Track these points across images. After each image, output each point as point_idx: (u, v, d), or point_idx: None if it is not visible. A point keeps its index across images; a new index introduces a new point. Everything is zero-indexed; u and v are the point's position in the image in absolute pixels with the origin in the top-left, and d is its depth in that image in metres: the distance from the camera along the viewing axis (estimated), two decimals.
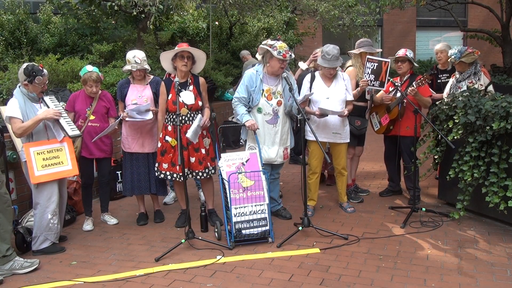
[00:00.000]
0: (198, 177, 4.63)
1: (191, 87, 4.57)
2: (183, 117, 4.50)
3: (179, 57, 4.45)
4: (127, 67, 4.75)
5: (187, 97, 4.51)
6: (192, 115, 4.55)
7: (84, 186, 4.98)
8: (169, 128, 4.56)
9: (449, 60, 5.25)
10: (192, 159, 4.55)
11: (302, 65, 5.82)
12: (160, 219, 5.02)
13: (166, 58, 4.53)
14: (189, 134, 4.32)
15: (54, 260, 4.13)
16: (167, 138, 4.54)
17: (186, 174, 4.53)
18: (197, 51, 4.55)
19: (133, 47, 4.96)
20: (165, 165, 4.56)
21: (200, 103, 4.59)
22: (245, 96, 4.62)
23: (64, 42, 8.85)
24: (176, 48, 4.49)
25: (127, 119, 4.66)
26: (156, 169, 4.65)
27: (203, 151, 4.59)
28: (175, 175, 4.55)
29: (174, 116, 4.51)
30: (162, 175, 4.62)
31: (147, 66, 4.80)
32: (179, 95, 4.41)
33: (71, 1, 8.86)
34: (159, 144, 4.61)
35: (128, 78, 4.91)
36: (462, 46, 5.08)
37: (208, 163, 4.63)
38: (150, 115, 4.68)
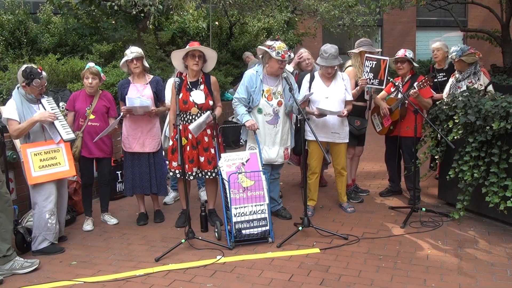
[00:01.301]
0: (207, 176, 4.65)
1: (202, 86, 4.58)
2: (193, 116, 4.51)
3: (190, 56, 4.47)
4: (123, 59, 4.76)
5: (198, 96, 4.53)
6: (202, 114, 4.56)
7: (84, 186, 4.98)
8: (180, 127, 4.57)
9: (449, 57, 5.25)
10: (202, 159, 4.57)
11: (288, 67, 5.76)
12: (160, 219, 5.02)
13: (177, 57, 4.55)
14: (192, 126, 4.35)
15: (54, 260, 4.13)
16: (177, 136, 4.54)
17: (195, 173, 4.57)
18: (209, 50, 4.58)
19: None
20: (174, 164, 4.59)
21: (211, 102, 4.59)
22: (245, 97, 4.63)
23: (64, 42, 8.84)
24: (187, 46, 4.50)
25: (127, 105, 4.62)
26: (167, 168, 4.69)
27: (212, 151, 4.60)
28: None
29: (184, 115, 4.54)
30: (171, 173, 4.64)
31: (141, 55, 4.80)
32: (186, 94, 4.42)
33: (71, 1, 8.85)
34: (171, 142, 4.65)
35: (128, 78, 4.91)
36: (465, 45, 5.07)
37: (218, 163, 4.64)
38: (149, 105, 4.67)
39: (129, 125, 4.82)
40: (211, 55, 4.60)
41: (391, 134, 5.29)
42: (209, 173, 4.63)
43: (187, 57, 4.50)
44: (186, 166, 4.53)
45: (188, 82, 4.58)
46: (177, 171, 4.59)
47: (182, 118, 4.55)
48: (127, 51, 4.77)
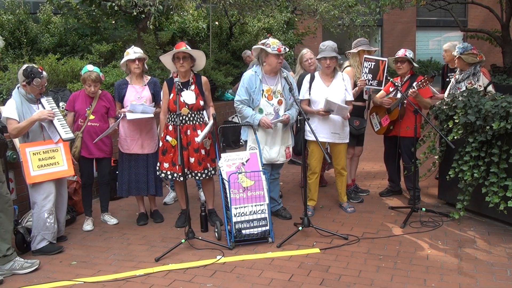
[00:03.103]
0: (197, 177, 4.63)
1: (192, 87, 4.58)
2: (184, 117, 4.51)
3: (176, 59, 4.48)
4: (125, 58, 4.75)
5: (188, 96, 4.53)
6: (193, 114, 4.56)
7: (84, 186, 4.98)
8: (170, 127, 4.57)
9: (453, 53, 5.25)
10: (192, 160, 4.55)
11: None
12: (160, 219, 5.02)
13: (166, 61, 4.58)
14: (199, 139, 4.40)
15: (54, 260, 4.13)
16: (168, 137, 4.55)
17: (186, 174, 4.55)
18: (192, 52, 4.55)
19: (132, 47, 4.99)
20: (166, 165, 4.57)
21: (201, 102, 4.59)
22: (247, 98, 4.61)
23: (64, 42, 8.84)
24: (173, 49, 4.51)
25: (128, 116, 4.63)
26: (157, 168, 4.67)
27: (203, 151, 4.59)
28: (175, 175, 4.55)
29: (175, 116, 4.52)
30: (163, 175, 4.63)
31: (145, 56, 4.81)
32: (179, 95, 4.43)
33: (71, 1, 8.86)
34: (160, 144, 4.63)
35: (126, 78, 4.90)
36: (469, 45, 5.07)
37: (208, 164, 4.63)
38: (151, 114, 4.70)
39: (127, 126, 4.81)
40: (198, 55, 4.59)
41: (390, 134, 5.29)
42: (199, 174, 4.61)
43: (174, 59, 4.52)
44: (176, 167, 4.52)
45: (179, 83, 4.57)
46: (168, 172, 4.58)
47: (172, 119, 4.56)
48: (130, 50, 4.76)
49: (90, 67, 4.76)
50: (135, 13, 7.66)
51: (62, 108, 5.31)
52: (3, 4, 9.50)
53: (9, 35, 8.62)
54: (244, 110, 4.63)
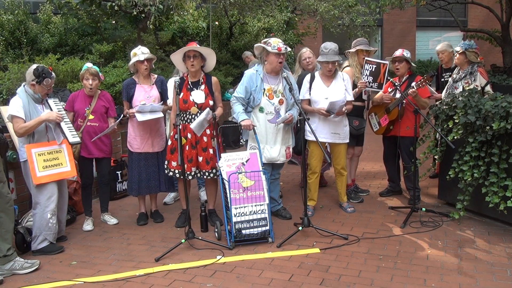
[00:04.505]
0: (205, 176, 4.65)
1: (202, 86, 4.61)
2: (193, 116, 4.52)
3: (187, 57, 4.51)
4: (134, 59, 4.73)
5: (197, 96, 4.55)
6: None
7: (84, 186, 4.98)
8: (180, 126, 4.58)
9: (455, 49, 5.25)
10: (200, 158, 4.58)
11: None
12: (160, 219, 5.02)
13: (176, 60, 4.60)
14: (193, 125, 4.38)
15: (54, 260, 4.13)
16: (177, 136, 4.55)
17: (194, 173, 4.60)
18: (203, 49, 4.57)
19: (133, 47, 4.97)
20: (174, 163, 4.59)
21: (211, 102, 4.60)
22: (242, 96, 4.65)
23: (64, 42, 8.85)
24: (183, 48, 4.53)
25: (138, 118, 4.64)
26: (166, 167, 4.69)
27: (211, 151, 4.60)
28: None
29: (184, 115, 4.56)
30: (171, 173, 4.65)
31: (153, 56, 4.81)
32: (178, 95, 4.44)
33: (71, 1, 8.86)
34: (169, 142, 4.64)
35: (133, 78, 4.90)
36: (474, 43, 5.08)
37: (216, 164, 4.64)
38: (160, 113, 4.72)
39: (136, 126, 4.80)
40: (208, 53, 4.61)
41: (389, 134, 5.29)
42: (207, 173, 4.63)
43: (185, 58, 4.54)
44: (186, 166, 4.54)
45: (189, 82, 4.60)
46: (176, 171, 4.60)
47: (182, 118, 4.57)
48: (137, 51, 4.75)
49: (89, 64, 4.77)
50: (135, 13, 7.66)
51: (63, 108, 5.31)
52: (3, 4, 9.52)
53: (9, 35, 8.63)
54: (234, 106, 4.68)
